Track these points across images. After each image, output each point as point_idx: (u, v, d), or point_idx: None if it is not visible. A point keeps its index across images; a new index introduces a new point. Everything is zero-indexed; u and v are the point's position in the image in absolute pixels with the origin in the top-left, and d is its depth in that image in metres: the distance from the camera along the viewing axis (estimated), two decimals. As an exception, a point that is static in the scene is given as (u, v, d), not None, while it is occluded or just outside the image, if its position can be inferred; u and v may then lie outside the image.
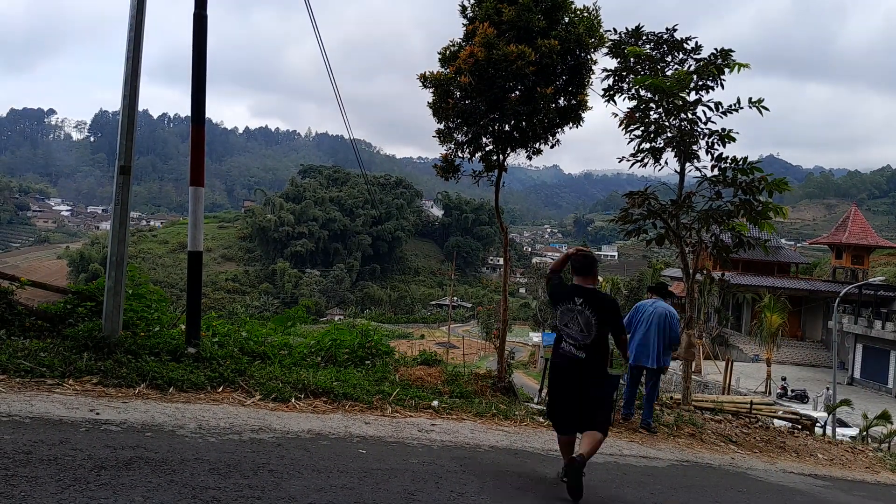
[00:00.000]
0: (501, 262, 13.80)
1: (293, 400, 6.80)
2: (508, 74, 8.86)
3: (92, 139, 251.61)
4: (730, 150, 10.73)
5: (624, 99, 11.30)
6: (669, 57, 11.11)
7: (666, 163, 11.32)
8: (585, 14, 9.38)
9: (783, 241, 75.21)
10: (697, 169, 11.08)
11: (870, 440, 17.67)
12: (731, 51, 10.55)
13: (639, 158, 11.37)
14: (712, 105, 10.61)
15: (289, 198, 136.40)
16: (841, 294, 30.62)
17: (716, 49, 10.68)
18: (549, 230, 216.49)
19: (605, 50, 10.49)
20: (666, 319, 8.93)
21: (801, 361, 42.87)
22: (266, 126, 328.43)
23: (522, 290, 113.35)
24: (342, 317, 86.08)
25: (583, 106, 9.66)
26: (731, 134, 10.56)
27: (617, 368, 6.47)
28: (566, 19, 9.39)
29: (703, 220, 11.01)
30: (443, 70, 9.50)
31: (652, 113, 11.01)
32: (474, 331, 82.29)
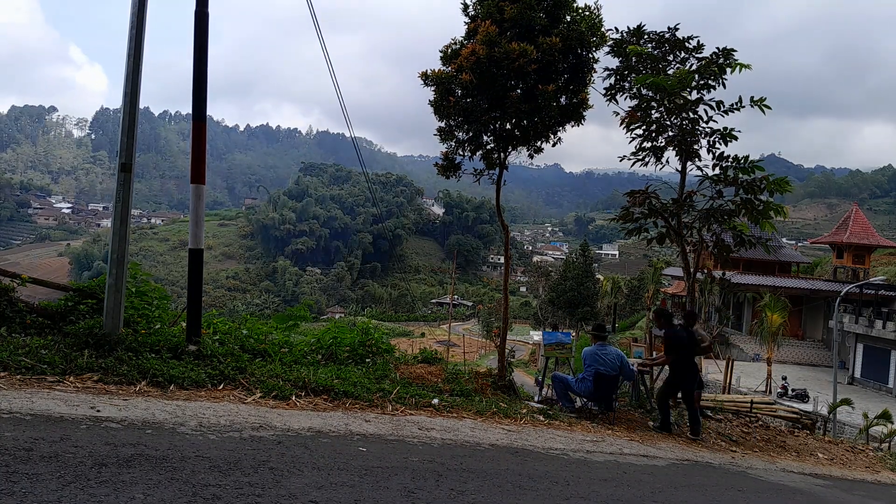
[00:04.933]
0: (502, 260, 13.79)
1: (293, 398, 6.80)
2: (510, 72, 8.85)
3: (93, 136, 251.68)
4: (731, 149, 10.73)
5: (625, 98, 11.29)
6: (671, 56, 11.08)
7: (667, 161, 11.30)
8: (587, 12, 9.37)
9: (784, 240, 75.16)
10: (699, 168, 11.06)
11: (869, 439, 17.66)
12: (732, 50, 10.52)
13: (640, 157, 11.34)
14: (714, 104, 10.59)
15: (291, 195, 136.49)
16: (842, 293, 30.56)
17: (717, 48, 10.65)
18: (549, 229, 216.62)
19: (606, 49, 10.48)
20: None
21: (801, 361, 42.83)
22: (267, 124, 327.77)
23: (523, 289, 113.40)
24: (343, 314, 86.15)
25: (584, 104, 9.65)
26: (733, 133, 10.54)
27: None
28: (568, 17, 9.38)
29: (704, 219, 11.00)
30: (444, 68, 9.50)
31: (653, 112, 10.99)
32: (475, 329, 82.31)
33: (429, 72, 9.47)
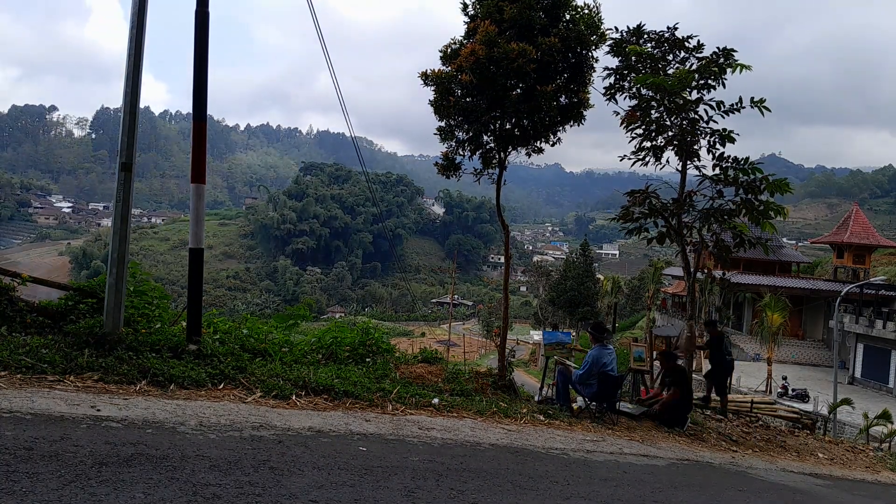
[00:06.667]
0: (502, 260, 13.79)
1: (294, 397, 6.81)
2: (509, 72, 8.85)
3: (93, 136, 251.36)
4: (730, 149, 10.72)
5: (625, 97, 11.28)
6: (671, 55, 11.07)
7: (667, 161, 11.29)
8: (586, 11, 9.37)
9: (784, 240, 75.13)
10: (698, 168, 11.05)
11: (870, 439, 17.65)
12: (733, 50, 10.51)
13: (640, 157, 11.34)
14: (714, 104, 10.57)
15: (291, 195, 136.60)
16: (842, 293, 30.52)
17: (718, 48, 10.64)
18: (550, 228, 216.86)
19: (606, 48, 10.48)
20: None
21: (802, 361, 42.81)
22: (267, 123, 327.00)
23: (523, 289, 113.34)
24: (343, 314, 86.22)
25: (584, 104, 9.64)
26: (732, 135, 10.53)
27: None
28: (567, 17, 9.37)
29: (704, 219, 11.00)
30: (444, 68, 9.49)
31: (653, 112, 10.98)
32: (475, 329, 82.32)
33: (428, 72, 9.47)
